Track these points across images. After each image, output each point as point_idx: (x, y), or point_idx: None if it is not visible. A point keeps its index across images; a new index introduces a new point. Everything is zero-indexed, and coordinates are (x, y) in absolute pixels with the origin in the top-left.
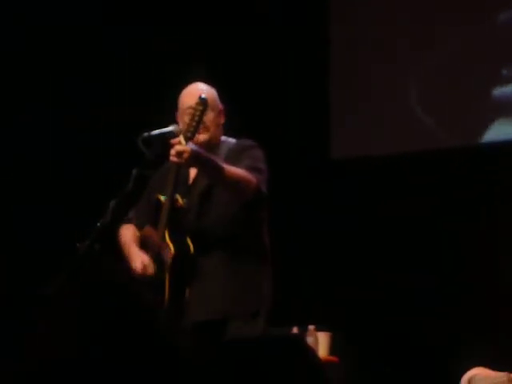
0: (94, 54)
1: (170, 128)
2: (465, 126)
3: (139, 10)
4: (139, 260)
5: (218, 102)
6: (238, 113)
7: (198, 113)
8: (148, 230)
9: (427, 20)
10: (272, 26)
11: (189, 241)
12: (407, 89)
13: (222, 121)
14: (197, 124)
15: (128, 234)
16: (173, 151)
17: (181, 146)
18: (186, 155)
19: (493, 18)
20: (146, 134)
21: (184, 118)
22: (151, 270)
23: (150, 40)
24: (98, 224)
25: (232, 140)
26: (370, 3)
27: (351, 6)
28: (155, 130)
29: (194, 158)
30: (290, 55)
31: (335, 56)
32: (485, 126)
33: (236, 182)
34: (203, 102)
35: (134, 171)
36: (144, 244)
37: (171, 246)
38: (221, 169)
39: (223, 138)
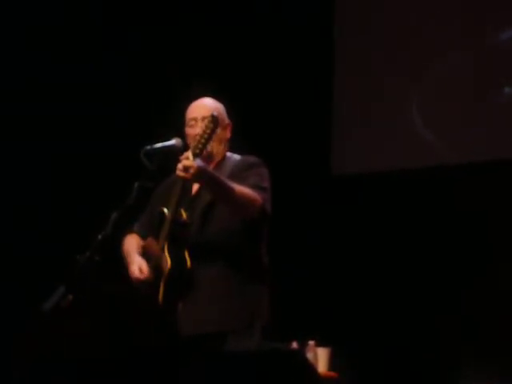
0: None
1: (172, 141)
2: (468, 143)
3: (139, 13)
4: (137, 264)
5: (224, 116)
6: (240, 129)
7: (208, 130)
8: (150, 241)
9: (429, 36)
10: (277, 40)
11: (186, 255)
12: (410, 105)
13: (228, 136)
14: (206, 141)
15: (131, 242)
16: (180, 166)
17: (188, 161)
18: (192, 171)
19: (495, 35)
20: (148, 147)
21: (186, 130)
22: (148, 274)
23: (152, 47)
24: (99, 236)
25: (237, 156)
26: (373, 19)
27: (356, 22)
28: (157, 143)
29: (200, 175)
30: (293, 72)
31: (338, 73)
32: (488, 142)
33: (240, 201)
34: (214, 120)
35: (136, 184)
36: (145, 254)
37: (168, 259)
38: (226, 187)
39: (228, 153)
